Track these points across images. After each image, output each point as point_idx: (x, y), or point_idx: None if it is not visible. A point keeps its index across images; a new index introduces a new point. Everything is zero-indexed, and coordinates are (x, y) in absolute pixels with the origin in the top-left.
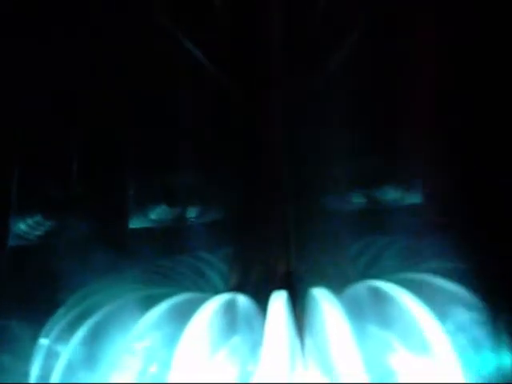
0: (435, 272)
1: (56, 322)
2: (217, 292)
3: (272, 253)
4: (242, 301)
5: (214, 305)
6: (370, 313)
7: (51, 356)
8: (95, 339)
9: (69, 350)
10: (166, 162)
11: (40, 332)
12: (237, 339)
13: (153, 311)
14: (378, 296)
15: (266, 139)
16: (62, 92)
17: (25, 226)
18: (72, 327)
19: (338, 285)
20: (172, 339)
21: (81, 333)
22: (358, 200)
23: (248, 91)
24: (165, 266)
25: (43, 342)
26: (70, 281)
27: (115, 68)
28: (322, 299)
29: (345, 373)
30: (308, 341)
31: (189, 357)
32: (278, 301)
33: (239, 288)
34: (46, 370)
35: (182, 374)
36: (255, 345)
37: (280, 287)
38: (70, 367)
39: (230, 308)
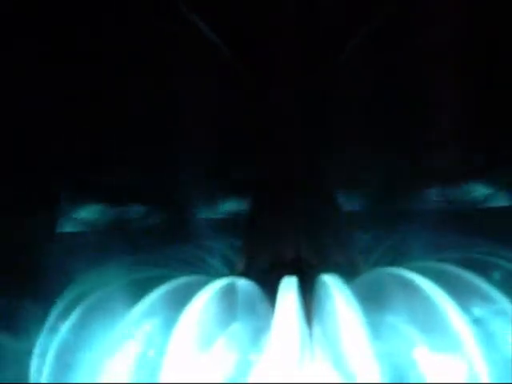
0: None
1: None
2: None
3: (281, 239)
4: (243, 285)
5: (211, 290)
6: (387, 302)
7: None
8: (90, 321)
9: (64, 330)
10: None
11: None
12: (236, 326)
13: (151, 294)
14: (397, 283)
15: (277, 130)
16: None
17: None
18: (71, 308)
19: (347, 272)
20: (170, 324)
21: (76, 313)
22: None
23: (261, 78)
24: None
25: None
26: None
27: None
28: (333, 287)
29: (358, 367)
30: (317, 329)
31: (183, 348)
32: (289, 287)
33: (246, 274)
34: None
35: (176, 366)
36: (257, 332)
37: (289, 273)
38: (64, 349)
39: (228, 293)
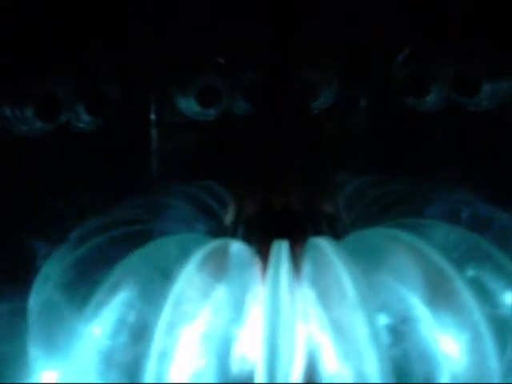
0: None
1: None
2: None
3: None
4: (236, 248)
5: (201, 254)
6: (382, 262)
7: None
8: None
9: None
10: None
11: None
12: (222, 292)
13: (133, 256)
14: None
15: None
16: None
17: None
18: None
19: (335, 226)
20: (151, 290)
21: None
22: None
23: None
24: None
25: None
26: None
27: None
28: (326, 249)
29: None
30: (310, 292)
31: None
32: (279, 252)
33: (234, 227)
34: None
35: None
36: (244, 298)
37: (277, 224)
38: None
39: (219, 257)
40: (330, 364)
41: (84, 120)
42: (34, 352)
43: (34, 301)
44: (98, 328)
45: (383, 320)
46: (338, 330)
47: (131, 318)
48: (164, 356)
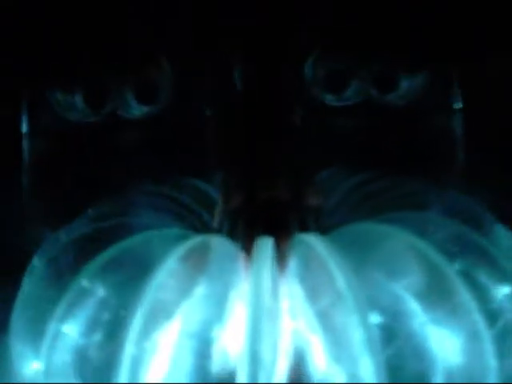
0: None
1: None
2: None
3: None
4: (219, 244)
5: (182, 250)
6: (370, 258)
7: None
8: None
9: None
10: None
11: None
12: (201, 290)
13: (112, 250)
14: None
15: None
16: None
17: None
18: None
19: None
20: (129, 286)
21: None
22: None
23: None
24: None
25: None
26: None
27: None
28: (314, 245)
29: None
30: (295, 287)
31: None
32: (263, 248)
33: (221, 221)
34: None
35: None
36: (223, 298)
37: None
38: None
39: (201, 253)
40: (320, 363)
41: (133, 108)
42: (17, 347)
43: (20, 294)
44: (73, 326)
45: (375, 317)
46: (329, 328)
47: (107, 315)
48: (140, 357)
